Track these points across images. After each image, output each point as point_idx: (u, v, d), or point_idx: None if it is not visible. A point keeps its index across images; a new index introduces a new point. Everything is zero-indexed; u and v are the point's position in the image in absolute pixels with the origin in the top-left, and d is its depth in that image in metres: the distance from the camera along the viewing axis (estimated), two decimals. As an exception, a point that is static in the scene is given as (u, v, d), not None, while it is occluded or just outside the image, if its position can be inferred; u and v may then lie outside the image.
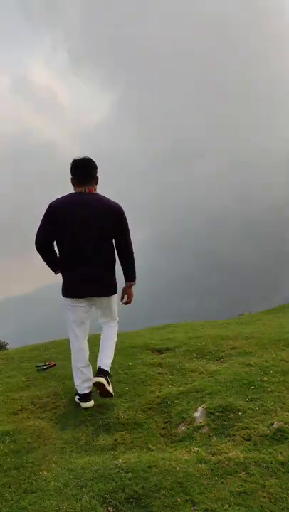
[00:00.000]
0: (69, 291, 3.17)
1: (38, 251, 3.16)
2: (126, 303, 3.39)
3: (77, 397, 3.30)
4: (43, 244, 3.14)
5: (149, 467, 2.18)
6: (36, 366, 4.29)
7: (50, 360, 4.50)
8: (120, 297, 3.39)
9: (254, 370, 3.33)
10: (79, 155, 3.15)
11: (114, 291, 3.29)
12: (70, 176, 3.16)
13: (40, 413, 3.17)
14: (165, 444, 2.53)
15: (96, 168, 3.19)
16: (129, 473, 2.14)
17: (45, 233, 3.10)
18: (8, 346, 16.48)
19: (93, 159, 3.16)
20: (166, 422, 2.79)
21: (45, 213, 3.08)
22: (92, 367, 3.28)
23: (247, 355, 3.80)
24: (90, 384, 3.24)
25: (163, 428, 2.73)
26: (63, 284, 3.20)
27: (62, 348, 5.10)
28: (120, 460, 2.29)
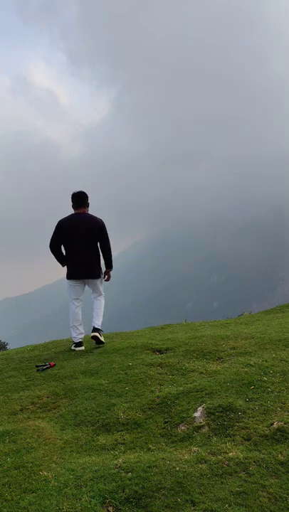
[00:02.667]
0: (70, 275, 4.98)
1: (51, 249, 4.93)
2: (106, 280, 5.23)
3: (74, 345, 4.94)
4: (54, 246, 4.93)
5: (149, 467, 2.18)
6: (36, 366, 4.29)
7: (50, 360, 4.50)
8: (103, 277, 5.17)
9: (254, 370, 3.33)
10: (75, 189, 4.96)
11: (99, 276, 5.05)
12: (71, 203, 4.92)
13: (40, 413, 3.17)
14: (165, 444, 2.52)
15: (87, 197, 4.99)
16: (129, 473, 2.14)
17: (56, 238, 4.89)
18: (8, 346, 16.49)
19: (86, 191, 4.96)
20: (166, 422, 2.79)
21: (56, 226, 4.88)
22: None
23: (247, 355, 3.80)
24: (82, 336, 5.02)
25: (163, 428, 2.73)
26: (67, 270, 4.99)
27: (62, 348, 5.11)
28: (120, 460, 2.29)
